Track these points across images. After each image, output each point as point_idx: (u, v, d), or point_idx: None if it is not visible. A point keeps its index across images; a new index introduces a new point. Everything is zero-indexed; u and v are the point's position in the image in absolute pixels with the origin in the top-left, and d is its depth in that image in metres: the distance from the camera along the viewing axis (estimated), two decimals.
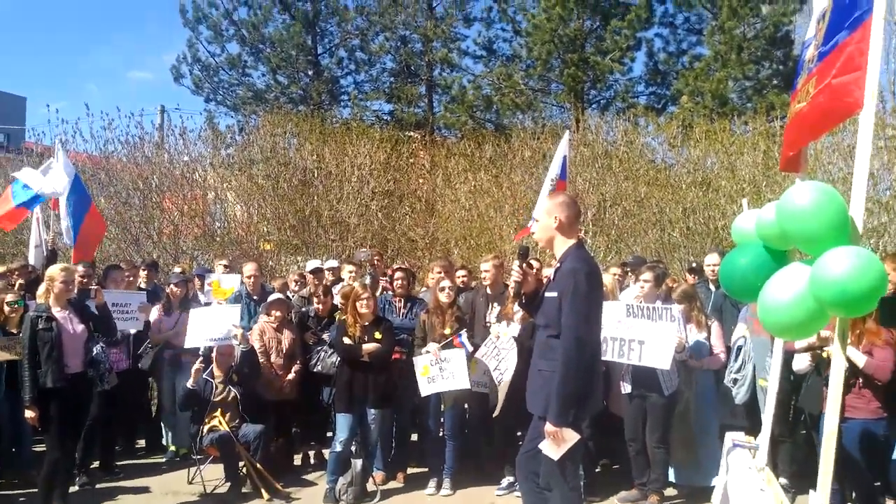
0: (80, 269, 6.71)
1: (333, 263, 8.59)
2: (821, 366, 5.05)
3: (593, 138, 13.35)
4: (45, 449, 5.54)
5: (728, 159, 11.73)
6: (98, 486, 6.42)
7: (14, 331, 6.42)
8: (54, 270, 5.73)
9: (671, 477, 5.93)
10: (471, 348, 6.04)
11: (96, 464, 6.76)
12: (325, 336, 6.89)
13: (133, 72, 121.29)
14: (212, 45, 21.96)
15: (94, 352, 5.81)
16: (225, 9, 21.73)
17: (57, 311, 5.52)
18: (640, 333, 5.54)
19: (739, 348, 5.73)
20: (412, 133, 18.19)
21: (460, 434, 6.27)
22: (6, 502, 6.12)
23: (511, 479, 5.95)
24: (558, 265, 3.65)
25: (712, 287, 6.93)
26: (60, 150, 8.27)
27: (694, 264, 8.18)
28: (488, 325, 6.20)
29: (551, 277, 3.74)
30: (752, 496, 3.39)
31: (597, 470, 6.17)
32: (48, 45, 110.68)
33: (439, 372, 6.08)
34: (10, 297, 6.75)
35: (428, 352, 6.09)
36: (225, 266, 9.38)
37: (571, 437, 3.48)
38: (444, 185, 13.55)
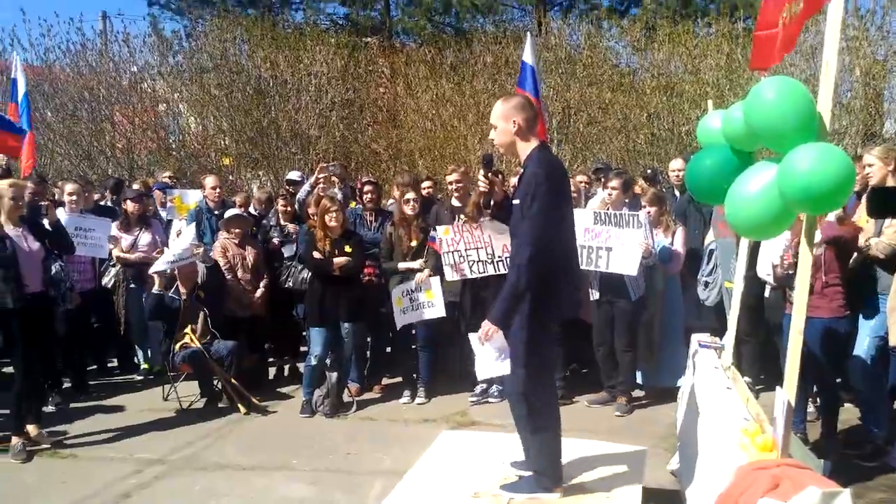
0: (30, 184, 6.44)
1: (295, 176, 8.41)
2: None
3: (556, 42, 13.03)
4: (12, 368, 5.45)
5: (692, 62, 11.63)
6: (72, 405, 6.39)
7: None
8: (2, 186, 5.48)
9: (638, 379, 6.14)
10: (446, 247, 6.03)
11: (69, 384, 6.74)
12: (284, 250, 6.86)
13: None
14: None
15: (53, 270, 5.64)
16: None
17: (10, 230, 5.29)
18: (608, 240, 5.61)
19: (711, 252, 5.83)
20: (370, 39, 17.52)
21: (431, 344, 6.37)
22: None
23: (483, 386, 6.10)
24: (521, 170, 3.60)
25: (677, 193, 7.00)
26: (18, 63, 7.91)
27: (649, 170, 8.16)
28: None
29: (516, 184, 3.69)
30: (718, 394, 3.51)
31: (566, 374, 6.35)
32: None
33: (410, 303, 6.15)
34: None
35: (401, 280, 6.12)
36: (169, 178, 9.16)
37: (500, 342, 3.49)
38: (405, 94, 13.16)
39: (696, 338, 4.39)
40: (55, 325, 5.81)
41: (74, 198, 6.89)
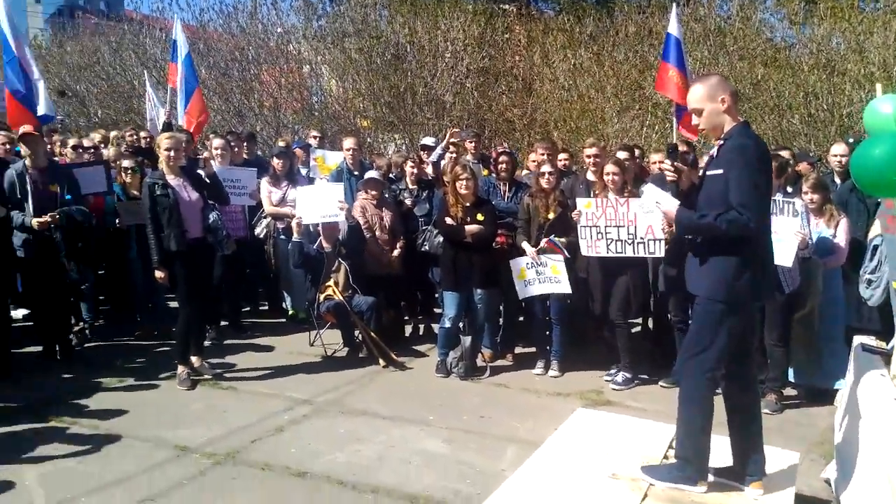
0: (182, 135, 6.89)
1: (430, 141, 8.54)
2: None
3: (705, 13, 12.40)
4: (177, 305, 5.93)
5: (856, 39, 10.74)
6: (227, 341, 6.92)
7: (135, 195, 6.79)
8: (160, 139, 5.91)
9: (790, 376, 5.82)
10: (566, 253, 5.98)
11: (225, 322, 7.28)
12: (416, 210, 7.02)
13: None
14: None
15: (211, 219, 5.99)
16: None
17: (171, 179, 5.68)
18: None
19: (875, 247, 5.42)
20: (507, 6, 17.35)
21: (566, 318, 6.32)
22: (147, 350, 6.70)
23: (628, 374, 5.98)
24: (721, 142, 3.43)
25: (837, 179, 6.54)
26: (178, 26, 8.42)
27: (811, 153, 7.68)
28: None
29: (714, 154, 3.54)
30: (883, 404, 3.27)
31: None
32: None
33: (536, 276, 6.09)
34: (126, 163, 7.08)
35: (526, 255, 6.09)
36: (315, 137, 9.47)
37: (669, 210, 3.44)
38: (541, 63, 12.97)
39: (858, 339, 4.12)
40: (213, 269, 6.26)
41: (221, 152, 7.30)
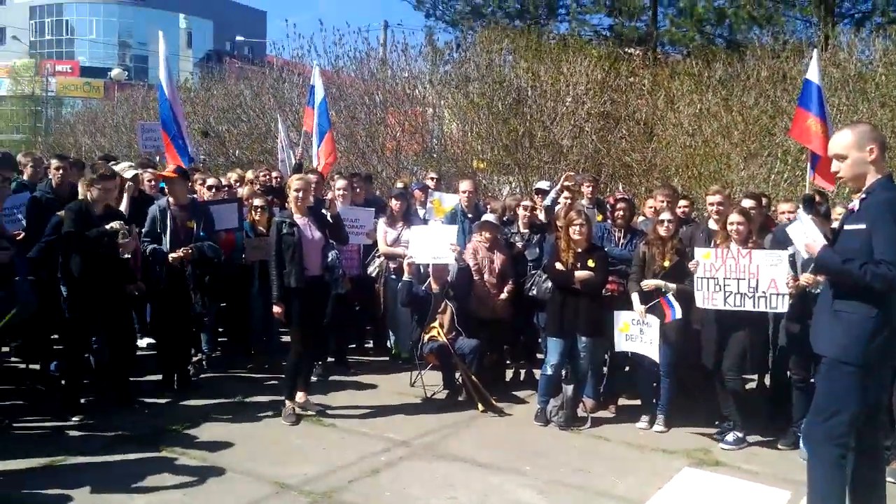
0: (312, 177, 7.26)
1: (544, 185, 8.55)
2: None
3: (845, 58, 11.75)
4: (290, 340, 6.20)
5: None
6: (332, 378, 7.16)
7: (263, 232, 7.23)
8: (292, 180, 6.26)
9: None
10: (679, 313, 5.77)
11: (332, 359, 7.51)
12: (527, 254, 6.98)
13: None
14: None
15: (330, 258, 6.26)
16: None
17: (298, 218, 5.99)
18: None
19: None
20: (632, 50, 17.21)
21: (675, 371, 6.07)
22: (258, 383, 7.02)
23: (739, 434, 5.67)
24: (864, 196, 3.28)
25: None
26: (317, 73, 9.01)
27: None
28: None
29: (854, 208, 3.38)
30: None
31: None
32: None
33: (639, 333, 5.90)
34: (257, 202, 7.55)
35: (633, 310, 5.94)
36: (433, 179, 9.71)
37: (815, 246, 3.29)
38: (665, 108, 12.70)
39: None
40: (327, 306, 6.52)
41: (344, 192, 7.63)
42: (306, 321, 5.99)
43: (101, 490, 4.46)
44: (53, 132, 30.88)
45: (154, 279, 6.39)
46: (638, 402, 6.34)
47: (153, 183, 7.96)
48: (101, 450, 5.15)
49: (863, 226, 3.16)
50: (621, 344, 6.02)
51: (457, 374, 6.59)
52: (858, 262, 3.11)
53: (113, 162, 8.26)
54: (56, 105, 42.67)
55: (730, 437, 5.65)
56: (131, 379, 6.32)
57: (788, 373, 5.76)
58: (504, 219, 7.82)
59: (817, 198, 5.88)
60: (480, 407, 6.31)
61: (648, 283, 5.94)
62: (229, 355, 7.83)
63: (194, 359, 7.18)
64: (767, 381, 6.48)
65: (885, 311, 3.12)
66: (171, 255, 6.26)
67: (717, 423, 5.90)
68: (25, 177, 7.57)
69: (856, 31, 14.12)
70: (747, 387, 6.07)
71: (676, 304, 5.81)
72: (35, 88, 45.63)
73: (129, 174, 7.16)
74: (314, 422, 5.98)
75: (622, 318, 6.01)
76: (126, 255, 5.89)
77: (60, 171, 6.92)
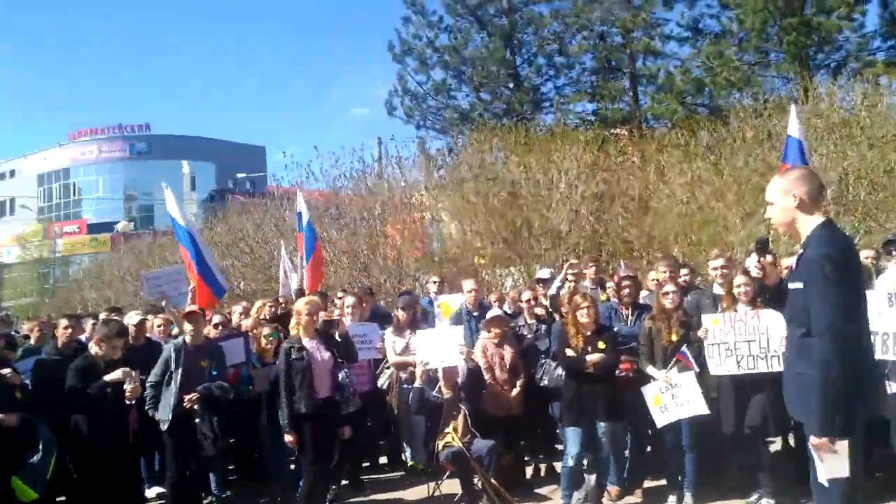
0: (318, 299, 7.31)
1: (545, 274, 8.54)
2: None
3: (826, 107, 11.97)
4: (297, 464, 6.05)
5: None
6: (347, 501, 6.91)
7: (269, 361, 7.20)
8: (300, 304, 6.31)
9: None
10: (697, 367, 5.64)
11: (345, 481, 7.26)
12: (538, 344, 6.89)
13: (354, 109, 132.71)
14: (418, 74, 23.26)
15: (340, 377, 6.21)
16: (427, 38, 22.88)
17: (306, 341, 6.01)
18: None
19: None
20: (618, 130, 17.64)
21: (700, 444, 5.86)
22: None
23: (771, 501, 5.42)
24: (801, 251, 3.25)
25: None
26: (301, 198, 9.25)
27: None
28: None
29: (794, 266, 3.34)
30: None
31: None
32: (278, 99, 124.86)
33: (672, 399, 5.75)
34: (266, 331, 7.57)
35: (656, 379, 5.81)
36: (435, 282, 9.75)
37: (843, 449, 3.06)
38: (657, 180, 12.91)
39: None
40: (338, 427, 6.39)
41: (352, 309, 7.66)
42: (319, 445, 5.89)
43: None
44: (58, 291, 31.16)
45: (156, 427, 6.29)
46: (664, 481, 6.10)
47: (162, 328, 8.02)
48: None
49: (800, 284, 3.11)
50: (660, 419, 5.82)
51: (475, 479, 6.36)
52: (816, 378, 3.03)
53: (117, 314, 8.38)
54: (63, 265, 43.25)
55: (753, 497, 5.45)
56: None
57: None
58: (510, 311, 7.79)
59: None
60: None
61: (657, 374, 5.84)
62: (241, 493, 7.59)
63: (205, 502, 7.00)
64: (792, 440, 6.22)
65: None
66: (185, 400, 6.14)
67: (748, 491, 5.64)
68: (32, 342, 7.67)
69: (833, 80, 14.43)
70: (772, 449, 5.83)
71: (692, 359, 5.69)
72: (43, 252, 46.41)
73: (134, 320, 7.26)
74: None
75: (650, 393, 5.86)
76: (132, 401, 5.88)
77: (69, 331, 7.00)
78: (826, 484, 3.14)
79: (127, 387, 5.75)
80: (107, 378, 5.75)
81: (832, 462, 3.09)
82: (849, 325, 3.04)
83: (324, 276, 9.13)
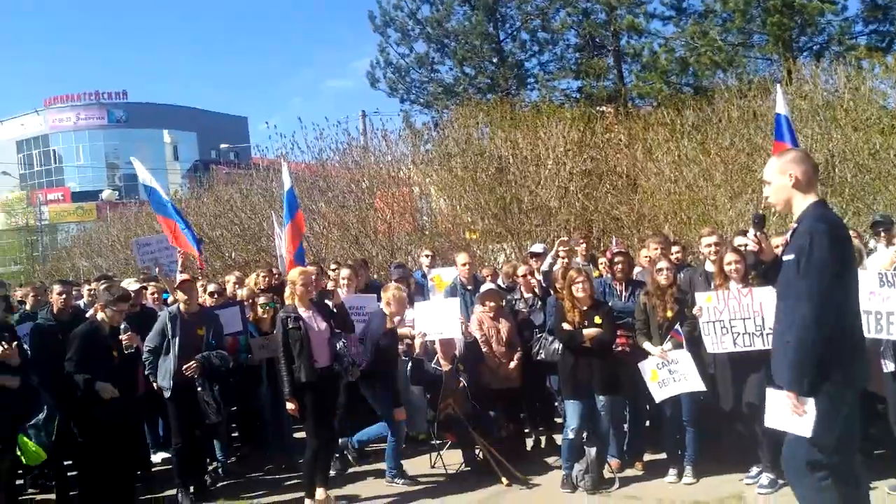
0: (312, 269, 7.32)
1: (539, 248, 8.65)
2: None
3: (810, 89, 12.13)
4: (304, 436, 6.11)
5: None
6: (350, 469, 6.99)
7: (267, 331, 7.24)
8: (293, 274, 6.32)
9: None
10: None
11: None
12: (533, 318, 6.99)
13: (330, 81, 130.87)
14: (400, 46, 23.06)
15: (338, 347, 6.26)
16: (409, 9, 22.65)
17: (302, 311, 6.02)
18: None
19: None
20: (605, 108, 17.71)
21: (700, 419, 6.01)
22: (277, 485, 6.88)
23: (772, 475, 5.54)
24: (795, 225, 3.38)
25: None
26: (285, 167, 9.14)
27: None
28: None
29: (787, 240, 3.48)
30: None
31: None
32: (259, 68, 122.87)
33: (669, 374, 5.86)
34: (262, 300, 7.59)
35: (653, 355, 5.93)
36: (427, 256, 9.81)
37: (810, 407, 3.22)
38: (644, 159, 12.99)
39: None
40: (339, 397, 6.47)
41: (348, 281, 7.68)
42: (320, 414, 5.94)
43: None
44: (50, 259, 31.11)
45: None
46: (663, 455, 6.23)
47: (156, 296, 8.00)
48: None
49: (792, 256, 3.24)
50: (658, 394, 5.93)
51: (476, 450, 6.49)
52: (790, 343, 3.21)
53: (106, 281, 8.32)
54: (51, 232, 43.15)
55: (763, 479, 5.55)
56: (151, 496, 6.20)
57: None
58: (504, 286, 7.88)
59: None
60: (505, 480, 6.18)
61: (653, 350, 5.96)
62: (246, 459, 7.68)
63: (210, 468, 7.04)
64: None
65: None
66: (184, 368, 6.18)
67: (748, 465, 5.78)
68: (28, 307, 7.61)
69: (816, 63, 14.61)
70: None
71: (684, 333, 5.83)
72: (29, 219, 46.21)
73: (133, 287, 7.23)
74: None
75: (648, 368, 5.96)
76: (131, 350, 5.96)
77: (63, 297, 6.96)
78: (767, 425, 3.41)
79: (123, 336, 5.81)
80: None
81: (797, 418, 3.24)
82: (833, 293, 3.18)
83: (301, 237, 9.03)
